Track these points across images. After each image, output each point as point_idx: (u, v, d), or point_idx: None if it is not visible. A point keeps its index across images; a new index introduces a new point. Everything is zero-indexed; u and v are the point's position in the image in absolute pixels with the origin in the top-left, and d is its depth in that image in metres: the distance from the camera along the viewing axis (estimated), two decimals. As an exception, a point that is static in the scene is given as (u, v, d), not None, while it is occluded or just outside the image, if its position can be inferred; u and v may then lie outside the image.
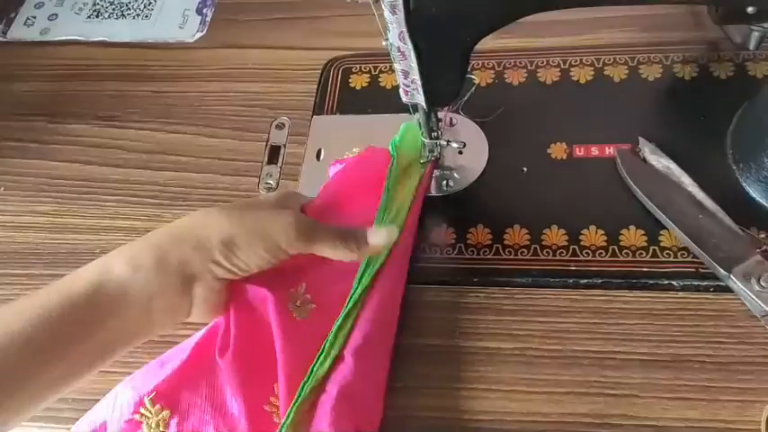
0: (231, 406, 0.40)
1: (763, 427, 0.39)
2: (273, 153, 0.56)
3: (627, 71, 0.54)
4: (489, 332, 0.45)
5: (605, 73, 0.54)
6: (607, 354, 0.43)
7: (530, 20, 0.38)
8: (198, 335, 0.42)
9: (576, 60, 0.55)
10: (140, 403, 0.39)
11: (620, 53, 0.55)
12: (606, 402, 0.41)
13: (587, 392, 0.42)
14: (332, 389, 0.38)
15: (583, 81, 0.54)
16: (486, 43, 0.39)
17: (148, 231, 0.53)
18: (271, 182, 0.55)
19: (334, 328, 0.40)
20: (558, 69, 0.55)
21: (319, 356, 0.39)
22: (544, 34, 0.57)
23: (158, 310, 0.38)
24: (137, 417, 0.39)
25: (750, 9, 0.36)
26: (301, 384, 0.38)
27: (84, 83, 0.64)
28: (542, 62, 0.56)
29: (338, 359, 0.40)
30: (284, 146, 0.57)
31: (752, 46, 0.49)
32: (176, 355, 0.42)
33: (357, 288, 0.42)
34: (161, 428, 0.39)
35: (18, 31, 0.70)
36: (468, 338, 0.44)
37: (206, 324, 0.42)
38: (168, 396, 0.40)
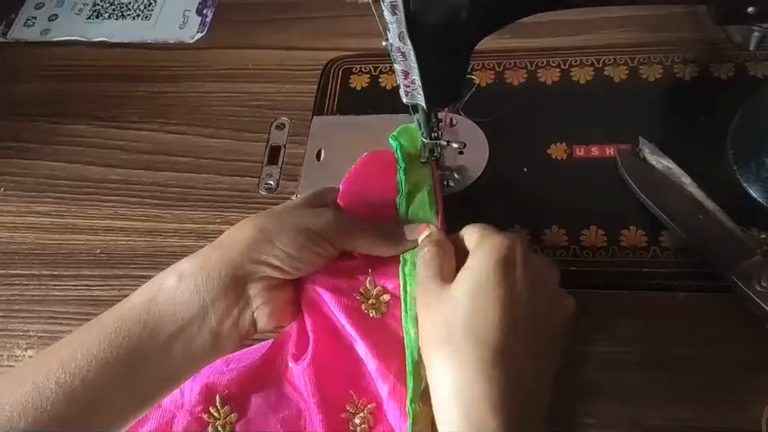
0: (303, 414, 0.39)
1: (763, 427, 0.39)
2: (273, 153, 0.56)
3: (627, 71, 0.54)
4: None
5: (605, 73, 0.54)
6: (607, 354, 0.43)
7: (530, 20, 0.38)
8: (268, 341, 0.42)
9: (576, 60, 0.55)
10: (211, 400, 0.39)
11: (621, 53, 0.55)
12: (606, 402, 0.41)
13: (586, 392, 0.42)
14: None
15: (583, 81, 0.54)
16: (486, 43, 0.39)
17: (148, 231, 0.54)
18: (271, 182, 0.55)
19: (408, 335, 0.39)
20: (559, 70, 0.55)
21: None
22: (544, 34, 0.57)
23: (217, 320, 0.37)
24: (205, 416, 0.39)
25: (750, 9, 0.36)
26: (409, 396, 0.37)
27: (84, 83, 0.64)
28: (542, 62, 0.56)
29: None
30: (284, 146, 0.57)
31: (752, 46, 0.49)
32: (244, 357, 0.41)
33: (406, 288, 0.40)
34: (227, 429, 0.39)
35: (18, 32, 0.70)
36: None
37: (270, 332, 0.41)
38: (238, 398, 0.40)
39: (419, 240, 0.41)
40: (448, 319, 0.34)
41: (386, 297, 0.41)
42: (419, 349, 0.37)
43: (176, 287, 0.37)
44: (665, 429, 0.40)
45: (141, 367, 0.35)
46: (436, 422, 0.34)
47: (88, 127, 0.61)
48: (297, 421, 0.40)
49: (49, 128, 0.62)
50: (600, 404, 0.41)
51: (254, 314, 0.38)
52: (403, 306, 0.39)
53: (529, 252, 0.37)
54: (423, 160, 0.49)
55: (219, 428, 0.39)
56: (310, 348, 0.39)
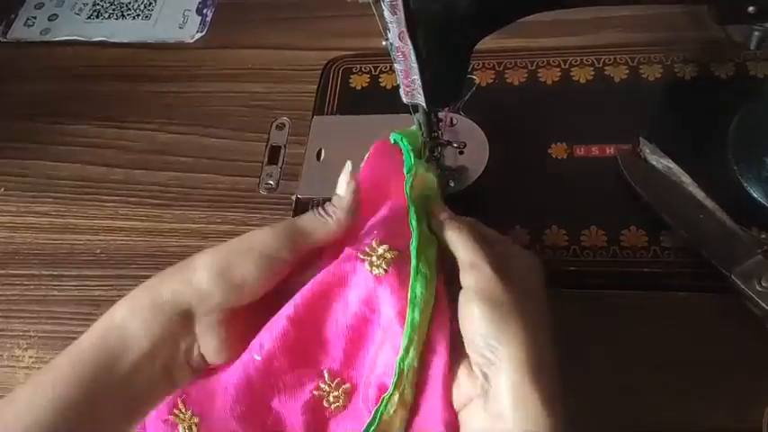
0: (271, 406, 0.39)
1: (764, 427, 0.39)
2: (274, 153, 0.56)
3: (627, 71, 0.54)
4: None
5: (605, 73, 0.54)
6: (606, 354, 0.42)
7: (530, 20, 0.38)
8: None
9: (577, 60, 0.55)
10: (173, 404, 0.39)
11: (621, 53, 0.55)
12: (606, 402, 0.41)
13: (586, 393, 0.42)
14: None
15: (583, 81, 0.54)
16: (486, 43, 0.39)
17: (148, 231, 0.54)
18: (271, 182, 0.55)
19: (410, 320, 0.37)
20: (559, 69, 0.55)
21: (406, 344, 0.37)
22: (544, 34, 0.57)
23: (167, 354, 0.37)
24: (172, 418, 0.39)
25: (751, 9, 0.36)
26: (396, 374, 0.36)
27: (84, 83, 0.64)
28: (542, 62, 0.56)
29: (429, 352, 0.37)
30: (284, 146, 0.57)
31: (753, 46, 0.49)
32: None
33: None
34: (194, 430, 0.39)
35: (18, 32, 0.70)
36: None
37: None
38: (199, 402, 0.39)
39: (441, 219, 0.40)
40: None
41: (391, 254, 0.39)
42: (429, 307, 0.37)
43: (127, 321, 0.36)
44: (665, 429, 0.40)
45: (101, 404, 0.35)
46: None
47: (88, 127, 0.61)
48: (261, 409, 0.39)
49: (49, 128, 0.62)
50: (600, 404, 0.41)
51: (201, 347, 0.38)
52: (413, 262, 0.38)
53: None
54: (423, 160, 0.48)
55: (187, 428, 0.39)
56: (282, 331, 0.38)
